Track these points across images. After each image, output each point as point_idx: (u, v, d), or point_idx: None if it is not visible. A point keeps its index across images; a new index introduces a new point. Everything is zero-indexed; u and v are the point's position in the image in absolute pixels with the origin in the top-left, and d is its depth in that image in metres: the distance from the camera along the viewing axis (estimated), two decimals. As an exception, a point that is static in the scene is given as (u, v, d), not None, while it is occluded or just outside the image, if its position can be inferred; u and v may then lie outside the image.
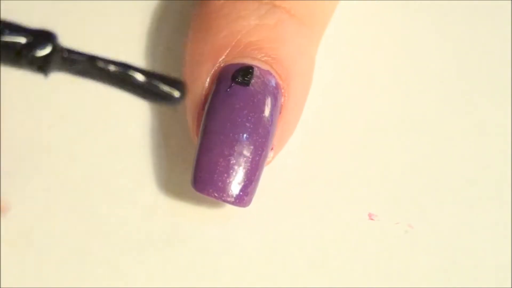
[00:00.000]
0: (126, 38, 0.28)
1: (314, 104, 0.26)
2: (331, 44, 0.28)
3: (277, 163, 0.25)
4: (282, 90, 0.24)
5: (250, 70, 0.24)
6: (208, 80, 0.24)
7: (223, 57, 0.24)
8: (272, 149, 0.24)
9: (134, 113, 0.26)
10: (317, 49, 0.26)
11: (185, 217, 0.25)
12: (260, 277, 0.24)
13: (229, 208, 0.25)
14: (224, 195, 0.23)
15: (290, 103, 0.24)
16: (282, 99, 0.24)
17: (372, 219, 0.25)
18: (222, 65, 0.24)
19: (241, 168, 0.23)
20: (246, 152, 0.23)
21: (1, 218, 0.24)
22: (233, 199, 0.23)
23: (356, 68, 0.28)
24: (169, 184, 0.25)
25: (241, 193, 0.23)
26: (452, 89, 0.28)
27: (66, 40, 0.27)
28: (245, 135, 0.23)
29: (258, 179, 0.24)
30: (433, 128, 0.27)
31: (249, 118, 0.23)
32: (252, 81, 0.24)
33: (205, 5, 0.26)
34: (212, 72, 0.24)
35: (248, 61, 0.24)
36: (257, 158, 0.23)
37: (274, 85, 0.24)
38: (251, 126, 0.23)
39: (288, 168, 0.26)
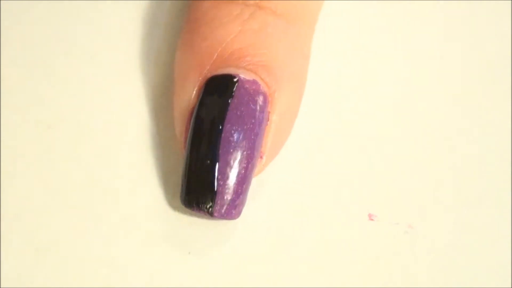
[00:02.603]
0: (126, 38, 0.28)
1: (314, 103, 0.26)
2: (331, 44, 0.28)
3: (276, 163, 0.25)
4: (269, 98, 0.24)
5: (233, 82, 0.23)
6: (194, 92, 0.24)
7: (208, 67, 0.24)
8: (261, 157, 0.24)
9: (135, 113, 0.26)
10: (310, 45, 0.26)
11: (185, 217, 0.25)
12: (260, 277, 0.24)
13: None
14: (211, 212, 0.23)
15: (281, 108, 0.24)
16: (269, 107, 0.24)
17: (372, 219, 0.25)
18: (208, 75, 0.24)
19: (226, 183, 0.23)
20: (231, 166, 0.23)
21: (1, 218, 0.24)
22: (220, 215, 0.23)
23: (355, 68, 0.28)
24: (169, 184, 0.25)
25: (228, 207, 0.23)
26: (452, 89, 0.28)
27: (67, 39, 0.27)
28: (229, 150, 0.23)
29: (245, 191, 0.24)
30: (433, 128, 0.27)
31: (232, 132, 0.23)
32: (234, 92, 0.23)
33: (192, 10, 0.25)
34: (198, 84, 0.24)
35: (231, 71, 0.23)
36: (243, 171, 0.23)
37: (260, 93, 0.24)
38: (236, 139, 0.23)
39: (288, 168, 0.26)
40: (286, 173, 0.26)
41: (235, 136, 0.23)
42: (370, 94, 0.28)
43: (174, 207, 0.25)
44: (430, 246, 0.25)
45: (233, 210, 0.23)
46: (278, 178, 0.26)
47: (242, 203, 0.24)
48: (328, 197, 0.26)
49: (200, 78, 0.24)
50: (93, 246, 0.24)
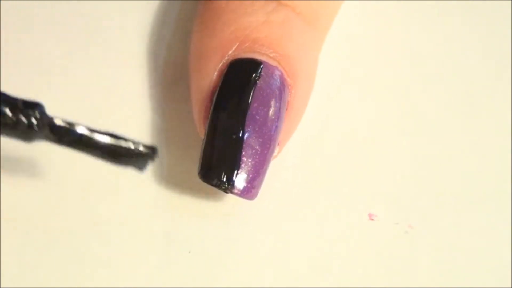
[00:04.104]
0: (126, 38, 0.28)
1: (315, 103, 0.26)
2: (333, 44, 0.28)
3: (277, 163, 0.25)
4: (289, 87, 0.24)
5: (259, 65, 0.24)
6: (215, 74, 0.24)
7: (231, 51, 0.24)
8: (278, 144, 0.24)
9: (135, 113, 0.26)
10: (320, 50, 0.26)
11: (185, 217, 0.25)
12: (260, 277, 0.24)
13: (229, 208, 0.25)
14: (231, 186, 0.23)
15: (295, 100, 0.25)
16: (289, 96, 0.24)
17: (372, 219, 0.25)
18: (230, 59, 0.24)
19: (249, 160, 0.23)
20: (255, 145, 0.23)
21: (1, 218, 0.24)
22: (239, 192, 0.23)
23: (356, 68, 0.28)
24: (169, 184, 0.25)
25: (248, 186, 0.23)
26: (452, 89, 0.28)
27: (67, 40, 0.27)
28: (254, 128, 0.23)
29: (265, 173, 0.24)
30: (433, 128, 0.27)
31: (259, 111, 0.23)
32: (261, 76, 0.24)
33: (211, 0, 0.26)
34: (219, 66, 0.24)
35: (256, 56, 0.24)
36: (265, 151, 0.23)
37: (281, 81, 0.24)
38: (260, 119, 0.23)
39: (289, 168, 0.26)
40: (286, 173, 0.26)
41: (261, 114, 0.23)
42: (370, 94, 0.28)
43: (174, 206, 0.25)
44: (430, 246, 0.25)
45: (252, 190, 0.23)
46: (278, 178, 0.26)
47: (260, 185, 0.24)
48: (328, 197, 0.26)
49: (224, 61, 0.24)
50: (93, 245, 0.24)
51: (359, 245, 0.25)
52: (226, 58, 0.24)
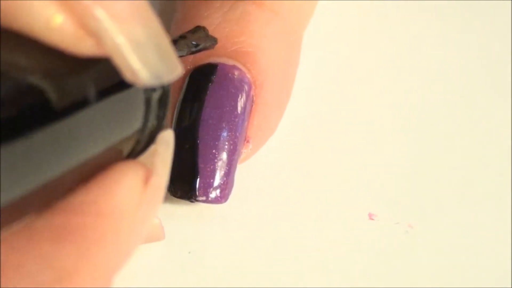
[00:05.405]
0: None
1: (314, 103, 0.26)
2: (330, 42, 0.28)
3: (276, 163, 0.25)
4: (250, 82, 0.24)
5: (210, 68, 0.24)
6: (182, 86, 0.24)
7: (190, 60, 0.24)
8: (248, 141, 0.24)
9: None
10: (301, 36, 0.26)
11: (185, 217, 0.25)
12: (259, 277, 0.24)
13: (228, 209, 0.25)
14: (194, 196, 0.23)
15: (265, 94, 0.24)
16: (253, 91, 0.24)
17: (372, 219, 0.25)
18: (190, 69, 0.24)
19: (208, 166, 0.23)
20: (211, 149, 0.23)
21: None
22: (204, 200, 0.23)
23: (355, 67, 0.28)
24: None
25: (212, 191, 0.23)
26: (452, 89, 0.28)
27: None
28: (208, 132, 0.23)
29: (229, 174, 0.24)
30: (433, 128, 0.27)
31: (212, 115, 0.23)
32: (213, 78, 0.24)
33: (178, 10, 0.26)
34: (183, 78, 0.24)
35: (212, 60, 0.24)
36: (225, 153, 0.23)
37: (241, 78, 0.24)
38: (214, 122, 0.23)
39: (288, 168, 0.26)
40: (285, 174, 0.26)
41: (215, 118, 0.23)
42: (371, 94, 0.28)
43: (174, 207, 0.25)
44: (430, 246, 0.25)
45: (217, 194, 0.23)
46: (278, 179, 0.26)
47: (227, 187, 0.24)
48: (328, 197, 0.26)
49: (184, 72, 0.24)
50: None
51: (359, 245, 0.25)
52: (187, 69, 0.24)
